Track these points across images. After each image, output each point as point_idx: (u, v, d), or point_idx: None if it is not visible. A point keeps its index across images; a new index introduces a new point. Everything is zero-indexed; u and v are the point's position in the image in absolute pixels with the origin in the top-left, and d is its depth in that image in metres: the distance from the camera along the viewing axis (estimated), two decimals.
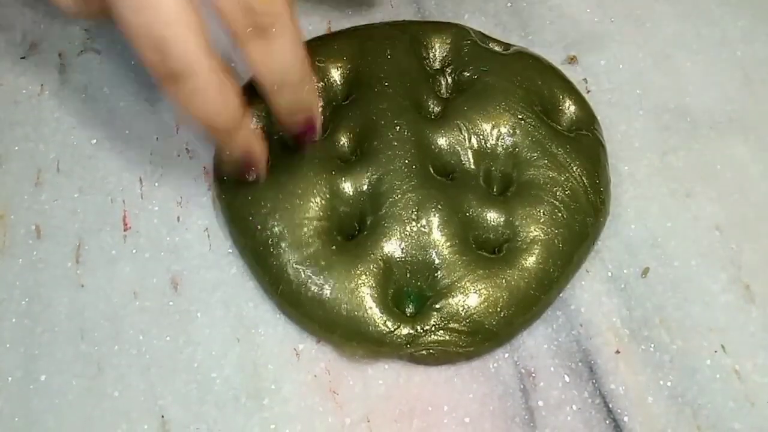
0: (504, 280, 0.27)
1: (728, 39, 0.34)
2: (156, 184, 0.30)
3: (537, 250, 0.27)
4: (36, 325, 0.28)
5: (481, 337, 0.27)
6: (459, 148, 0.29)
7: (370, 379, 0.27)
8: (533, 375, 0.27)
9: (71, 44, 0.34)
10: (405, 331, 0.26)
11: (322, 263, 0.27)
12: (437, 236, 0.27)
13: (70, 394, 0.27)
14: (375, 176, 0.28)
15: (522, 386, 0.27)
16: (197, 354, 0.27)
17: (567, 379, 0.27)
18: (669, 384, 0.27)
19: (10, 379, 0.27)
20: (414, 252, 0.27)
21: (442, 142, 0.29)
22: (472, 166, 0.29)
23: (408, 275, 0.27)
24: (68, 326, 0.28)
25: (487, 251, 0.28)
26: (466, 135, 0.29)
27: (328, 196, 0.28)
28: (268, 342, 0.27)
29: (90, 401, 0.26)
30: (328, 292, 0.27)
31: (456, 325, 0.27)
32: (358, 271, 0.27)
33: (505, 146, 0.29)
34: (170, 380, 0.27)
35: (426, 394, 0.27)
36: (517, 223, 0.28)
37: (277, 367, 0.27)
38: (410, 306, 0.27)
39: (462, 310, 0.27)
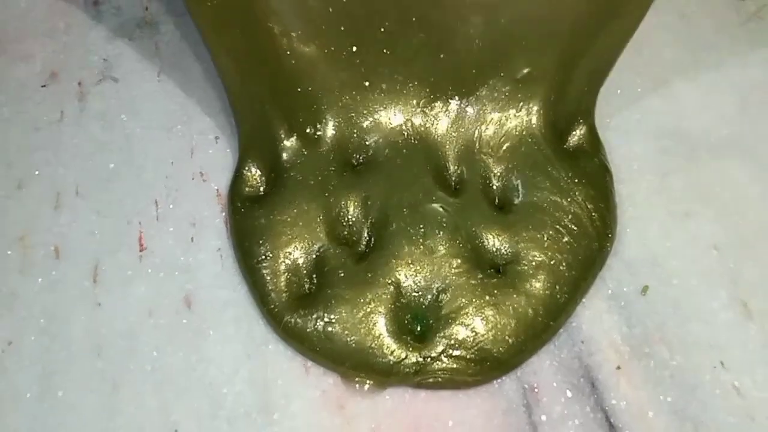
0: (511, 307, 0.27)
1: (725, 64, 0.35)
2: (171, 206, 0.31)
3: (543, 276, 0.28)
4: (54, 342, 0.28)
5: (489, 365, 0.27)
6: (468, 160, 0.29)
7: (377, 395, 0.28)
8: (536, 390, 0.28)
9: (90, 73, 0.35)
10: (413, 359, 0.26)
11: (329, 292, 0.27)
12: (444, 256, 0.27)
13: (85, 410, 0.27)
14: (383, 191, 0.28)
15: (525, 401, 0.27)
16: (209, 370, 0.28)
17: (569, 394, 0.27)
18: (669, 399, 0.27)
19: (28, 395, 0.27)
20: (422, 273, 0.27)
21: (451, 153, 0.29)
22: (479, 180, 0.29)
23: (416, 296, 0.27)
24: (85, 344, 0.28)
25: (492, 269, 0.28)
26: (477, 146, 0.30)
27: (333, 215, 0.29)
28: (278, 358, 0.28)
29: (105, 417, 0.27)
30: (336, 324, 0.27)
31: (463, 353, 0.27)
32: (368, 299, 0.27)
33: (510, 165, 0.29)
34: (183, 396, 0.27)
35: (431, 410, 0.27)
36: (521, 246, 0.28)
37: (287, 382, 0.28)
38: (418, 327, 0.27)
39: (469, 338, 0.27)
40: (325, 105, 0.30)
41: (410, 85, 0.30)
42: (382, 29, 0.28)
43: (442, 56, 0.29)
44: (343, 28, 0.28)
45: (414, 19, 0.28)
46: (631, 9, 0.28)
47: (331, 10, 0.28)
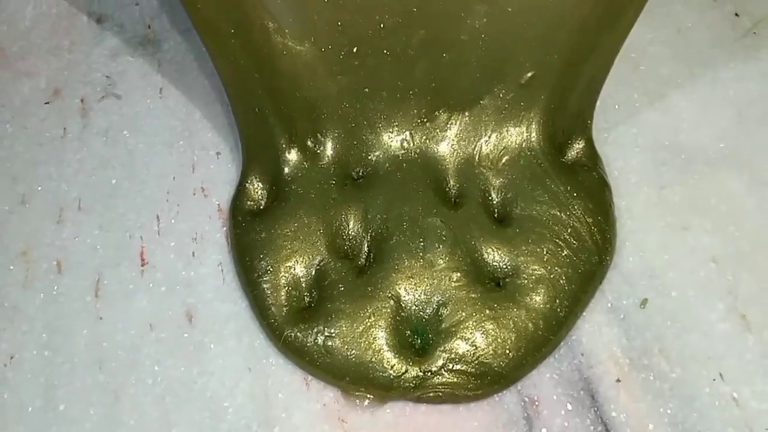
0: (511, 321, 0.27)
1: (721, 79, 0.35)
2: (172, 221, 0.32)
3: (543, 290, 0.28)
4: (56, 356, 0.29)
5: (490, 379, 0.27)
6: (467, 174, 0.29)
7: (378, 409, 0.28)
8: (536, 403, 0.28)
9: (93, 90, 0.35)
10: (413, 373, 0.27)
11: (329, 306, 0.27)
12: (443, 270, 0.28)
13: (87, 423, 0.27)
14: (383, 205, 0.29)
15: (526, 414, 0.27)
16: (210, 383, 0.28)
17: (569, 407, 0.27)
18: (669, 411, 0.27)
19: (30, 408, 0.28)
20: (422, 287, 0.27)
21: (450, 166, 0.30)
22: (478, 194, 0.29)
23: (416, 310, 0.27)
24: (87, 357, 0.29)
25: (491, 282, 0.28)
26: (476, 160, 0.30)
27: (333, 229, 0.29)
28: (278, 371, 0.28)
29: (107, 429, 0.27)
30: (336, 339, 0.27)
31: (464, 367, 0.27)
32: (368, 313, 0.27)
33: (509, 178, 0.29)
34: (184, 409, 0.28)
35: (432, 423, 0.27)
36: (521, 259, 0.28)
37: (288, 395, 0.28)
38: (418, 341, 0.27)
39: (469, 352, 0.27)
40: (325, 113, 0.29)
41: (411, 93, 0.29)
42: (382, 25, 0.27)
43: (444, 56, 0.28)
44: (339, 24, 0.27)
45: (415, 10, 0.27)
46: (632, 6, 0.28)
47: (326, 0, 0.27)
